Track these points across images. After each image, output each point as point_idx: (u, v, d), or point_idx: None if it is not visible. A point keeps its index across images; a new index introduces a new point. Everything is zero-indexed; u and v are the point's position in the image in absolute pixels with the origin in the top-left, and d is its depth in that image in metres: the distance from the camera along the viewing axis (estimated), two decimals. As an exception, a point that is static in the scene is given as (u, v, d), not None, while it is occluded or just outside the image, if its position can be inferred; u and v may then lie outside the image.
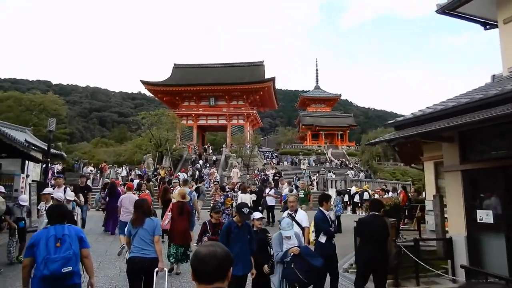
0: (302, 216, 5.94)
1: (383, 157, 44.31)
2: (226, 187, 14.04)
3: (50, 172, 17.85)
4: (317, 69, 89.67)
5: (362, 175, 30.19)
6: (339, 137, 70.08)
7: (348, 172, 29.79)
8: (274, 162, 43.69)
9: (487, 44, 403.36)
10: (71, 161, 40.60)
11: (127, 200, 9.02)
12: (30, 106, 37.95)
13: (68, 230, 3.75)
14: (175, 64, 47.04)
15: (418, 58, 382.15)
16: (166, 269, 4.92)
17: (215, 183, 14.08)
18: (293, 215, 5.83)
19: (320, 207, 6.02)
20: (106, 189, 12.60)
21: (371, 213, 5.76)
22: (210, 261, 1.61)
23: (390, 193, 17.75)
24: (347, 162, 45.72)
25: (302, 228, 5.70)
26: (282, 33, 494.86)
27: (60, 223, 3.80)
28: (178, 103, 43.71)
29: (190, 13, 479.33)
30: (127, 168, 27.73)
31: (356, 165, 42.83)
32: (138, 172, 24.67)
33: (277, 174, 24.15)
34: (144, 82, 41.73)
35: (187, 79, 43.19)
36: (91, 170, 22.66)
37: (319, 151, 57.14)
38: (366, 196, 17.66)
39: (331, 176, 26.69)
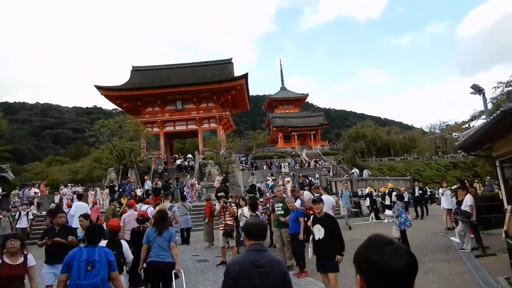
0: None
1: (367, 153, 41.95)
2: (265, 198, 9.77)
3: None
4: (281, 70, 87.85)
5: (366, 173, 27.16)
6: (312, 137, 67.86)
7: (353, 170, 26.65)
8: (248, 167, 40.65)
9: (428, 44, 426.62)
10: (19, 183, 34.89)
11: (131, 218, 8.23)
12: (-41, 122, 31.72)
13: (98, 254, 3.96)
14: (133, 67, 42.18)
15: (369, 58, 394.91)
16: (182, 271, 5.59)
17: (226, 200, 9.94)
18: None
19: None
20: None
21: None
22: (258, 226, 2.88)
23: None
24: (323, 161, 43.20)
25: None
26: (238, 38, 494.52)
27: (94, 245, 4.06)
28: (140, 109, 38.92)
29: (141, 17, 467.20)
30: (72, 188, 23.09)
31: (338, 164, 40.21)
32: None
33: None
34: (99, 88, 36.64)
35: (149, 82, 38.65)
36: (35, 193, 17.77)
37: (293, 152, 54.52)
38: (394, 197, 14.30)
39: (332, 177, 23.34)
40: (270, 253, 2.83)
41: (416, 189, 15.78)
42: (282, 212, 7.76)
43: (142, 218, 6.78)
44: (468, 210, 8.06)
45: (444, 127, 52.85)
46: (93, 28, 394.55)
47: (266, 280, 2.57)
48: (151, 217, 8.14)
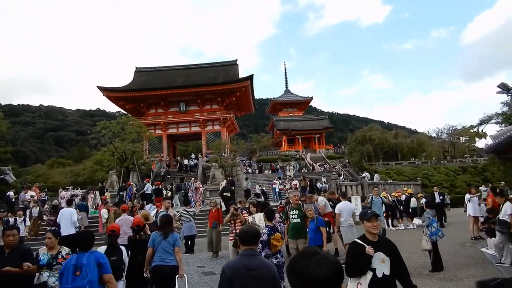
0: None
1: (374, 156, 40.97)
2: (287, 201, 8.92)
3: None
4: (285, 73, 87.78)
5: (377, 177, 26.22)
6: (316, 140, 67.01)
7: (364, 174, 25.75)
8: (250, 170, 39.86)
9: (432, 50, 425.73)
10: (19, 185, 34.22)
11: (123, 222, 8.42)
12: (-43, 122, 31.03)
13: (87, 258, 3.88)
14: (137, 68, 41.54)
15: (373, 63, 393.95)
16: (185, 276, 5.38)
17: (241, 202, 8.96)
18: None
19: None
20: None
21: None
22: (250, 233, 3.06)
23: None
24: (328, 165, 42.31)
25: None
26: (243, 42, 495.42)
27: (84, 251, 3.96)
28: (143, 111, 38.21)
29: (142, 21, 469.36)
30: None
31: (343, 168, 39.30)
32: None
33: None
34: (101, 88, 35.98)
35: (152, 83, 37.97)
36: (31, 196, 16.94)
37: (298, 156, 53.84)
38: (413, 203, 13.35)
39: (343, 181, 22.43)
40: (262, 257, 3.20)
41: (436, 194, 14.68)
42: (298, 220, 6.92)
43: (138, 228, 6.38)
44: (508, 220, 7.21)
45: (451, 131, 51.67)
46: (98, 31, 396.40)
47: (258, 283, 2.75)
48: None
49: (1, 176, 28.89)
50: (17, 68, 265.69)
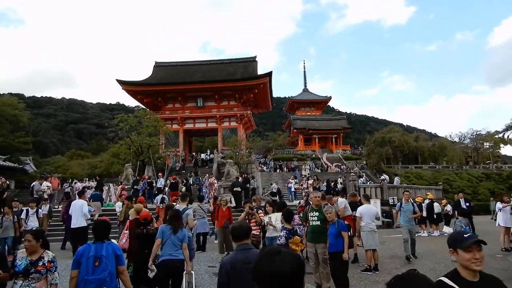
0: None
1: (393, 159, 39.83)
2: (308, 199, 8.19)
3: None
4: (304, 72, 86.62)
5: (397, 180, 25.36)
6: (333, 140, 66.11)
7: (383, 176, 24.99)
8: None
9: (456, 52, 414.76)
10: (38, 175, 34.84)
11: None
12: (-20, 112, 31.71)
13: (106, 249, 3.89)
14: (156, 63, 41.68)
15: (394, 64, 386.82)
16: (193, 272, 5.64)
17: (256, 199, 8.30)
18: None
19: None
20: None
21: None
22: (240, 228, 3.18)
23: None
24: (345, 166, 41.40)
25: None
26: (262, 41, 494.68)
27: (101, 241, 3.96)
28: (161, 105, 38.32)
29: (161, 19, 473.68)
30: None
31: (361, 170, 38.35)
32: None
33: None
34: (120, 82, 36.22)
35: (171, 78, 38.03)
36: (47, 187, 16.94)
37: (314, 155, 52.98)
38: (437, 208, 12.64)
39: (363, 182, 21.74)
40: (256, 250, 3.19)
41: (462, 201, 13.52)
42: (318, 223, 6.46)
43: (145, 221, 6.22)
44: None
45: (475, 136, 49.72)
46: (121, 27, 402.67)
47: None
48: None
49: (21, 166, 29.30)
50: (41, 61, 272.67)
